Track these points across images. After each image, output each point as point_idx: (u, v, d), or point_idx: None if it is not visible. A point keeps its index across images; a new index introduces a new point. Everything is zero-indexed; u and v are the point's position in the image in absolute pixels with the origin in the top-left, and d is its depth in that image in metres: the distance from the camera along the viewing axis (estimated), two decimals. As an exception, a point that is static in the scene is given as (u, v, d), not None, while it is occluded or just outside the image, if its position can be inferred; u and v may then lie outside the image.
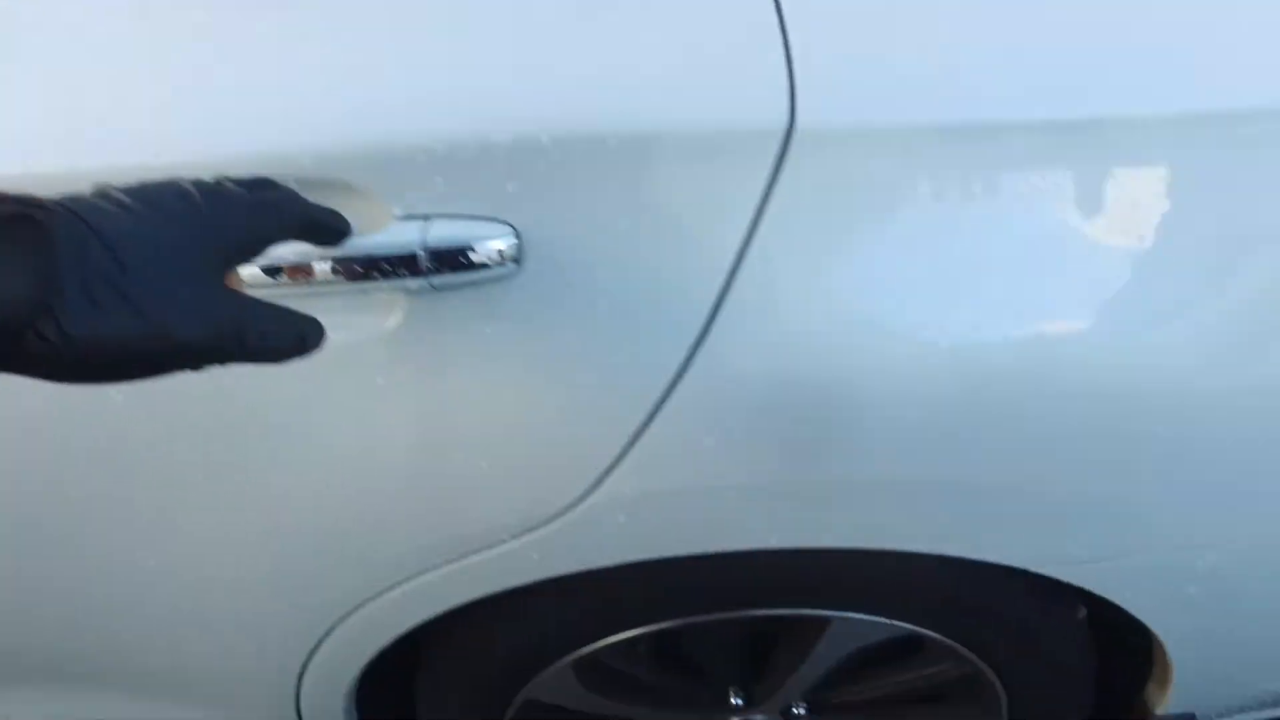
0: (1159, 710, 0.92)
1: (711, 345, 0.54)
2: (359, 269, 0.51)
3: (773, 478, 0.59)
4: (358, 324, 0.55)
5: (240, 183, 0.44)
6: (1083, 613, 0.85)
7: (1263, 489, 0.68)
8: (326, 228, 0.48)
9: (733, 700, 0.97)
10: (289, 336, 0.45)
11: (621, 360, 0.55)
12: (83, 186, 0.40)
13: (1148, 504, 0.66)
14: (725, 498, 0.60)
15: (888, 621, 0.80)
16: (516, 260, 0.52)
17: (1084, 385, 0.60)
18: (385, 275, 0.51)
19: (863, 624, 0.80)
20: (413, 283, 0.52)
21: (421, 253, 0.50)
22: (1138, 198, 0.56)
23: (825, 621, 0.81)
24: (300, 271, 0.52)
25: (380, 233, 0.51)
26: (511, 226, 0.52)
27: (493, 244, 0.51)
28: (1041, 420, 0.60)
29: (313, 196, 0.47)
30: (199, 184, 0.43)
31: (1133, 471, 0.64)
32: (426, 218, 0.51)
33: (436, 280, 0.51)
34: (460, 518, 0.64)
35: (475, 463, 0.60)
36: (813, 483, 0.59)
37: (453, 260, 0.51)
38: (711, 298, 0.53)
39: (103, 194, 0.40)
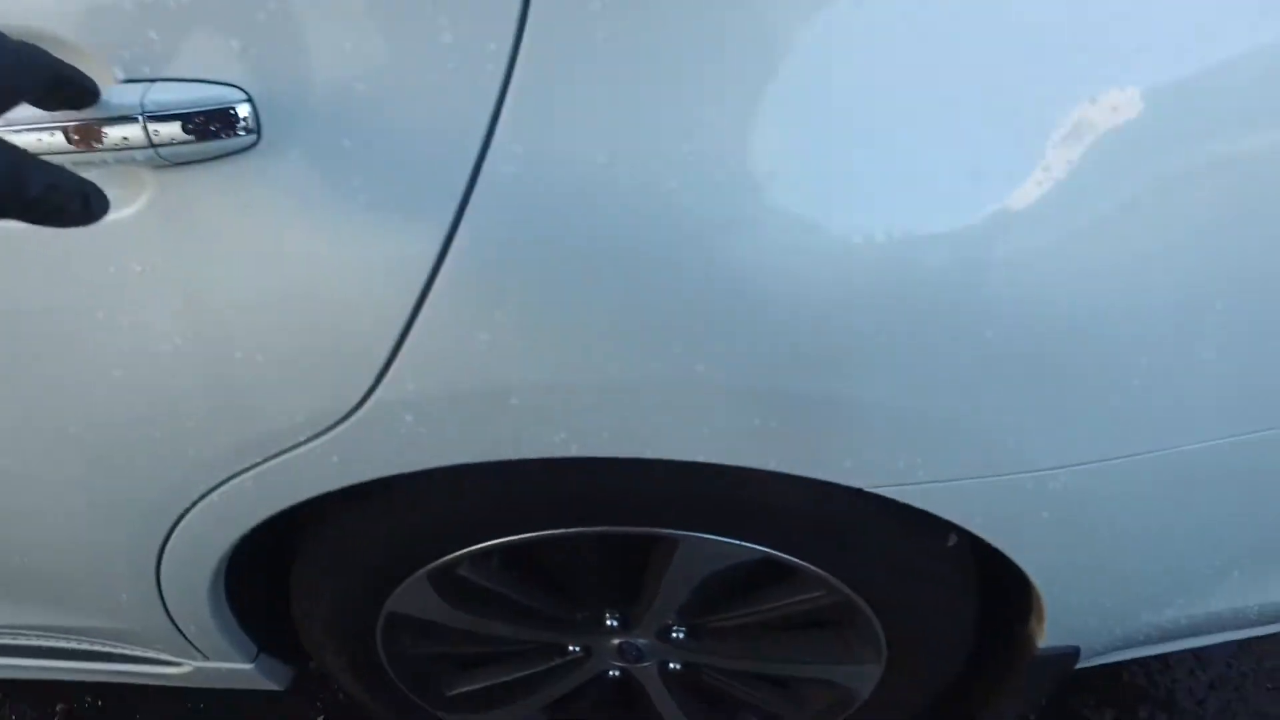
0: (1040, 643, 0.90)
1: (472, 224, 0.50)
2: (77, 137, 0.47)
3: (554, 379, 0.55)
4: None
5: None
6: (953, 540, 0.82)
7: (1111, 411, 0.64)
8: (78, 86, 0.45)
9: (608, 622, 0.96)
10: (74, 195, 0.42)
11: (379, 245, 0.51)
12: None
13: (985, 422, 0.62)
14: (508, 401, 0.56)
15: (737, 543, 0.77)
16: (252, 130, 0.48)
17: (912, 289, 0.56)
18: (113, 147, 0.48)
19: (713, 545, 0.77)
20: (139, 154, 0.48)
21: (141, 119, 0.47)
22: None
23: (676, 542, 0.78)
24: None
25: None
26: (243, 90, 0.48)
27: (220, 110, 0.47)
28: (859, 323, 0.56)
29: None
30: None
31: (967, 386, 0.60)
32: (152, 81, 0.47)
33: (165, 151, 0.48)
34: (255, 417, 0.61)
35: (253, 357, 0.57)
36: (597, 386, 0.55)
37: (179, 128, 0.47)
38: (467, 167, 0.48)
39: None
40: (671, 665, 1.02)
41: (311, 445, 0.62)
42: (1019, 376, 0.61)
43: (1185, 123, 0.55)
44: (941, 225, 0.54)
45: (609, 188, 0.49)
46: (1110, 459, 0.67)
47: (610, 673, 1.05)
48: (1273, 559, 0.83)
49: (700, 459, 0.61)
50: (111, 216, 0.53)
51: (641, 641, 0.98)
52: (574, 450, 0.60)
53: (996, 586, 0.89)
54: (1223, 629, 0.96)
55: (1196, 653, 1.34)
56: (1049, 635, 0.88)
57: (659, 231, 0.50)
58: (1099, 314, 0.59)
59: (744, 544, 0.77)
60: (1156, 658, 1.34)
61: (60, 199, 0.41)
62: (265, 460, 0.65)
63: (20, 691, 1.29)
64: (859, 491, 0.68)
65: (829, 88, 0.49)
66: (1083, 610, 0.84)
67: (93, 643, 1.02)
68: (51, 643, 1.04)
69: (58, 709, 1.28)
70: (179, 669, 1.03)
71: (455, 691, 1.05)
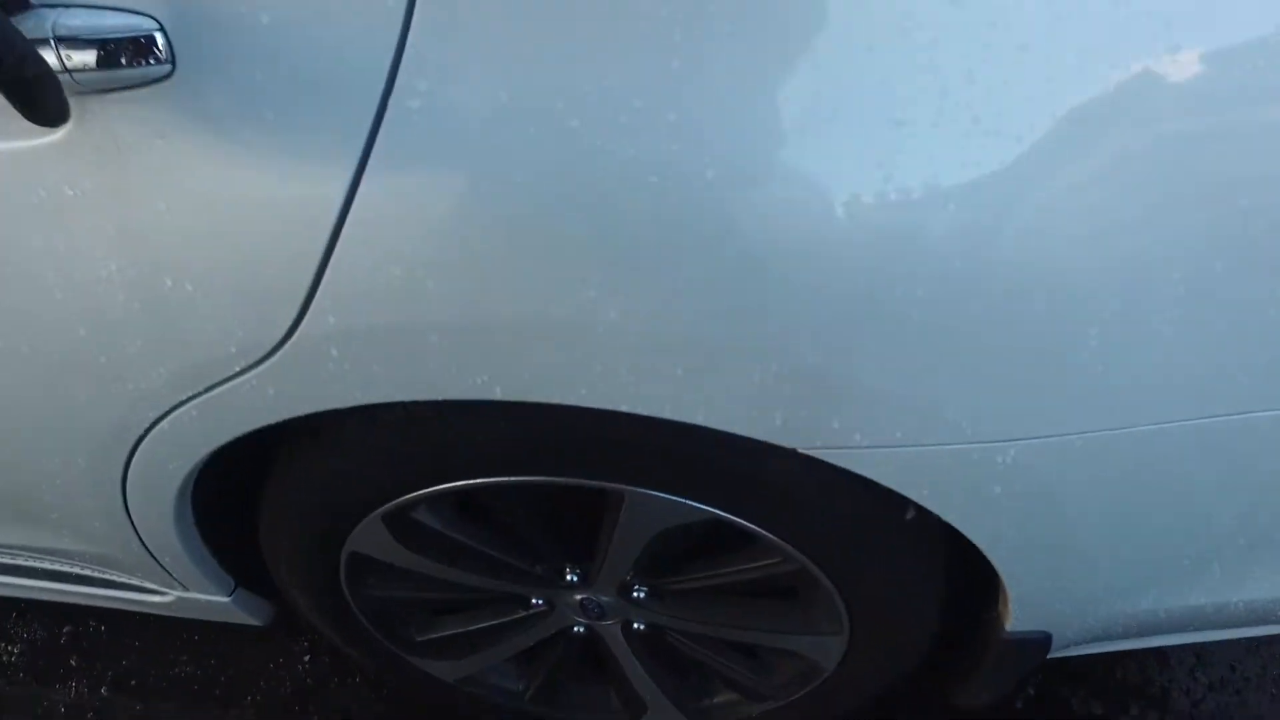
0: (1008, 626, 0.87)
1: (379, 160, 0.50)
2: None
3: (467, 318, 0.55)
4: (27, 129, 0.53)
5: None
6: (911, 513, 0.80)
7: (1063, 386, 0.61)
8: None
9: (568, 577, 0.96)
10: (56, 89, 0.47)
11: (292, 179, 0.51)
12: None
13: (918, 387, 0.60)
14: (428, 338, 0.56)
15: (682, 501, 0.76)
16: (165, 60, 0.49)
17: (839, 247, 0.54)
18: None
19: (658, 502, 0.77)
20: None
21: (53, 43, 0.47)
22: None
23: (623, 496, 0.78)
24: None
25: (14, 20, 0.48)
26: (155, 19, 0.48)
27: (133, 38, 0.47)
28: (784, 275, 0.54)
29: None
30: None
31: (899, 348, 0.58)
32: (67, 6, 0.48)
33: (80, 77, 0.49)
34: (191, 347, 0.63)
35: (183, 286, 0.58)
36: (511, 327, 0.55)
37: (93, 56, 0.48)
38: (373, 103, 0.48)
39: None
40: (635, 625, 1.02)
41: (246, 377, 0.63)
42: (955, 342, 0.58)
43: (1152, 100, 0.52)
44: (879, 189, 0.52)
45: (511, 125, 0.48)
46: (1064, 435, 0.64)
47: (575, 629, 1.05)
48: (1254, 553, 0.79)
49: (624, 408, 0.60)
50: (41, 139, 0.54)
51: (604, 598, 0.98)
52: (498, 393, 0.60)
53: (968, 565, 0.86)
54: (1210, 625, 0.92)
55: (1199, 652, 1.28)
56: (1016, 619, 0.85)
57: (564, 168, 0.49)
58: (1046, 284, 0.56)
59: (689, 503, 0.76)
60: (1156, 655, 1.29)
61: (41, 70, 0.46)
62: (207, 390, 0.66)
63: (33, 612, 1.37)
64: (803, 455, 0.66)
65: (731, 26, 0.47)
66: (1050, 595, 0.82)
67: (83, 567, 1.07)
68: (43, 564, 1.09)
69: (65, 630, 1.35)
70: (163, 598, 1.07)
71: (424, 637, 1.07)
